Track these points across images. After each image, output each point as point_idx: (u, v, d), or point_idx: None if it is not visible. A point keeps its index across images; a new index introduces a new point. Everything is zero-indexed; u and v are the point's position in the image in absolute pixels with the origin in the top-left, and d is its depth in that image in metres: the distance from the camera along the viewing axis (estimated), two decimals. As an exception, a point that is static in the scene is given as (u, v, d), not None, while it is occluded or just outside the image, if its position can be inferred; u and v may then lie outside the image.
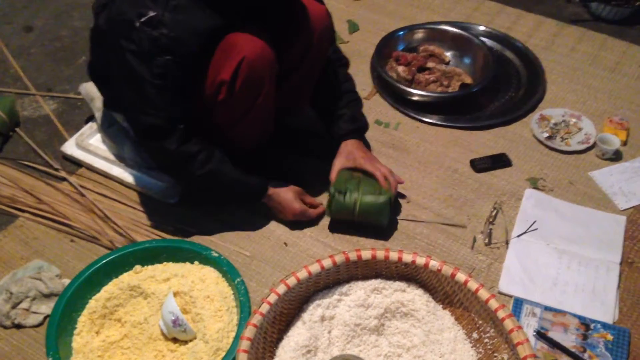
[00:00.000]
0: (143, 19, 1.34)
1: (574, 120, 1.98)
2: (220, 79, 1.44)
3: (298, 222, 1.69)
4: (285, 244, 1.66)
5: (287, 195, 1.65)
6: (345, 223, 1.68)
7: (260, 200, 1.65)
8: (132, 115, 1.53)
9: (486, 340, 1.33)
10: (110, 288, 1.49)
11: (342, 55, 1.81)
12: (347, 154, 1.69)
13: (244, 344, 1.21)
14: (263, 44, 1.44)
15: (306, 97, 1.77)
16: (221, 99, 1.47)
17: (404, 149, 1.93)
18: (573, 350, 1.41)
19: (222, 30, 1.43)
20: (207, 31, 1.41)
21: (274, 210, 1.69)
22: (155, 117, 1.45)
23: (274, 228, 1.70)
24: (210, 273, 1.51)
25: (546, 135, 1.94)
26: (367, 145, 1.88)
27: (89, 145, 1.86)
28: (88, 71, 1.70)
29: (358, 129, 1.75)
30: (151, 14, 1.35)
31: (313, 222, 1.71)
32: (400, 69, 2.11)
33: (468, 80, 2.11)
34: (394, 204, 1.72)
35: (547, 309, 1.49)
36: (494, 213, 1.72)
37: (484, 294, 1.30)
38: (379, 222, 1.65)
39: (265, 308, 1.27)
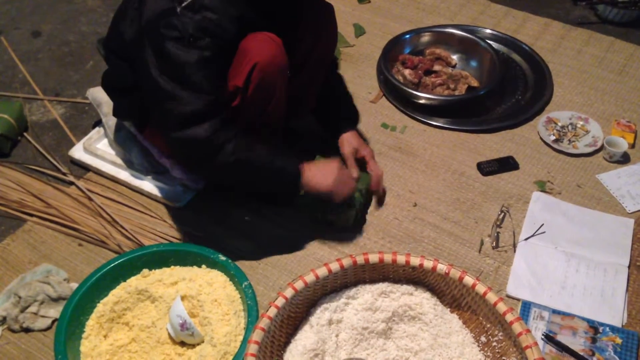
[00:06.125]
0: (184, 4, 1.34)
1: (581, 123, 1.98)
2: (234, 85, 1.45)
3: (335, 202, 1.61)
4: (293, 247, 1.66)
5: (324, 164, 1.58)
6: (317, 220, 1.70)
7: (298, 184, 1.52)
8: (168, 108, 1.40)
9: (494, 343, 1.33)
10: (118, 292, 1.49)
11: (334, 56, 1.85)
12: (350, 142, 1.73)
13: (252, 348, 1.21)
14: (275, 50, 1.44)
15: (312, 98, 1.76)
16: (235, 105, 1.47)
17: (411, 152, 1.93)
18: (582, 353, 1.40)
19: (248, 24, 1.43)
20: (241, 19, 1.41)
21: (316, 184, 1.54)
22: (196, 104, 1.37)
23: (282, 231, 1.70)
24: (217, 277, 1.52)
25: (553, 138, 1.93)
26: (369, 144, 1.90)
27: (97, 150, 1.86)
28: (102, 82, 1.69)
29: (354, 120, 1.86)
30: None
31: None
32: (407, 72, 2.11)
33: (475, 83, 2.11)
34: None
35: (556, 312, 1.49)
36: (501, 216, 1.72)
37: (491, 297, 1.29)
38: (342, 222, 1.68)
39: (272, 312, 1.27)
